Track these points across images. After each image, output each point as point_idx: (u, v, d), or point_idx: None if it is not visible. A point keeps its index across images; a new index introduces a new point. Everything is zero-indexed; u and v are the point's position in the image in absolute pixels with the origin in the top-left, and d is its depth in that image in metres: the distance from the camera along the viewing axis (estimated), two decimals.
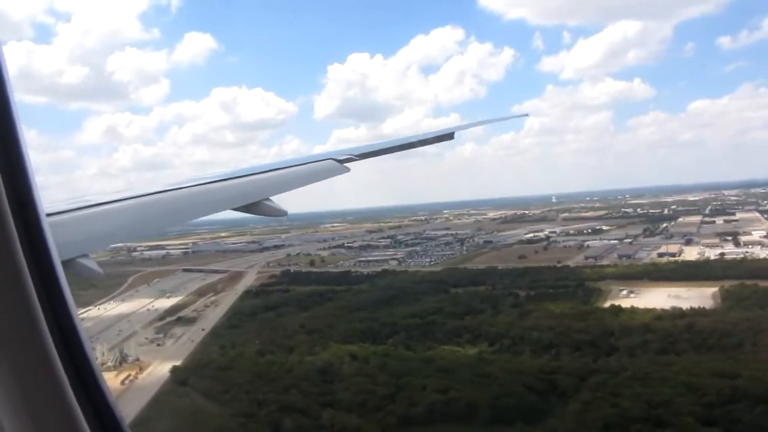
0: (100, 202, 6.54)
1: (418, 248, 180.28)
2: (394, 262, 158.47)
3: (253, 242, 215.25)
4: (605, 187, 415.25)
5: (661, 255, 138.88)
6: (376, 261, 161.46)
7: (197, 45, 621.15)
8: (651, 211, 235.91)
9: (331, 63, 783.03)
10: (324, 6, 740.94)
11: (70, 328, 2.85)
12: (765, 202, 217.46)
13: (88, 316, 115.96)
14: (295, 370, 77.93)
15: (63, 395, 2.71)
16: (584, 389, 65.72)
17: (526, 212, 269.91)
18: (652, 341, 79.44)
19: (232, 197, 8.31)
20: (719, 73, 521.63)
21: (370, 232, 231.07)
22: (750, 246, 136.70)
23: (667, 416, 57.54)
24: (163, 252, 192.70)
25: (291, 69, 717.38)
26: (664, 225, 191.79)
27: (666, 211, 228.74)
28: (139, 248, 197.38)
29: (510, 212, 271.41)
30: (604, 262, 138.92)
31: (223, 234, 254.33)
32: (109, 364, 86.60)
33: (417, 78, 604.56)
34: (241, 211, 8.05)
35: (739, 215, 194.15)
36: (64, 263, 3.68)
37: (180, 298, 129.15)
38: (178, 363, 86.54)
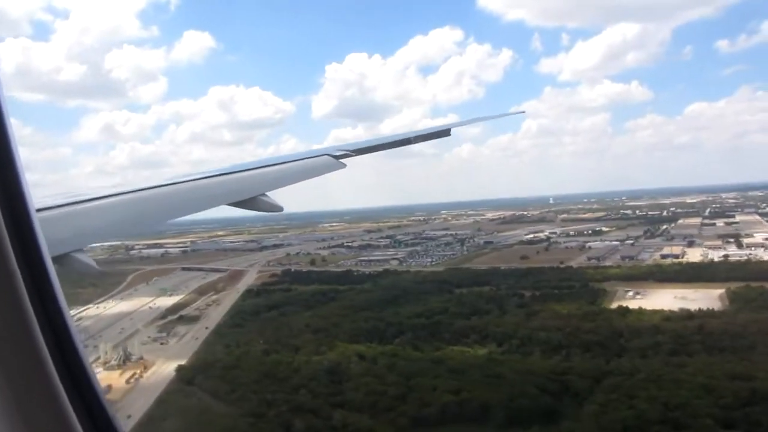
0: (93, 197, 6.39)
1: (418, 248, 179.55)
2: (395, 262, 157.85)
3: (252, 241, 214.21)
4: (602, 189, 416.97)
5: (664, 256, 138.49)
6: (377, 261, 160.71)
7: (196, 43, 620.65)
8: (650, 212, 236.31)
9: (329, 62, 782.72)
10: (323, 6, 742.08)
11: (60, 325, 2.77)
12: (764, 205, 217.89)
13: (88, 314, 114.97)
14: (303, 370, 76.96)
15: (54, 394, 2.65)
16: (599, 391, 65.00)
17: (525, 213, 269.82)
18: (664, 343, 78.77)
19: (227, 193, 8.16)
20: (717, 76, 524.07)
21: (369, 231, 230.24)
22: (753, 248, 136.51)
23: (685, 419, 56.80)
24: (161, 250, 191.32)
25: (289, 68, 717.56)
26: (664, 227, 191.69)
27: (665, 213, 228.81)
28: (137, 246, 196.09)
29: (508, 213, 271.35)
30: (608, 263, 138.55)
31: (220, 233, 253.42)
32: (113, 362, 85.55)
33: (415, 78, 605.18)
34: (238, 207, 7.93)
35: (738, 218, 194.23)
36: (59, 258, 3.74)
37: (181, 296, 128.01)
38: (182, 362, 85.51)
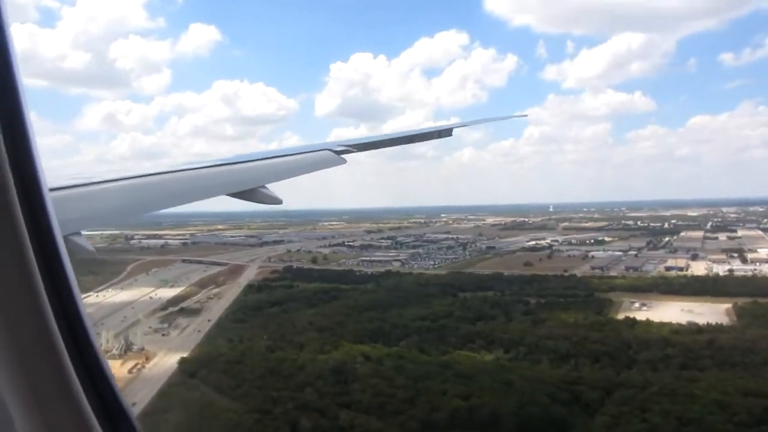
0: (93, 181, 6.34)
1: (420, 251, 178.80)
2: (397, 264, 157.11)
3: (252, 236, 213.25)
4: (602, 198, 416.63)
5: (668, 269, 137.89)
6: (379, 261, 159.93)
7: (202, 36, 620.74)
8: (651, 224, 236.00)
9: (334, 61, 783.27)
10: (329, 4, 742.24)
11: (71, 306, 2.77)
12: (766, 220, 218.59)
13: (89, 302, 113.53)
14: (308, 368, 75.89)
15: (66, 377, 2.66)
16: (610, 402, 64.11)
17: (526, 220, 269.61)
18: (673, 356, 77.91)
19: (228, 183, 8.13)
20: (720, 89, 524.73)
21: (370, 232, 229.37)
22: (758, 263, 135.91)
23: None
24: (161, 241, 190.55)
25: (294, 65, 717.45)
26: (667, 239, 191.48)
27: (666, 225, 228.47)
28: (136, 236, 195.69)
29: (509, 219, 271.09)
30: (612, 274, 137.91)
31: (219, 226, 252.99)
32: (114, 351, 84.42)
33: (419, 80, 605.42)
34: (237, 198, 7.88)
35: (741, 232, 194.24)
36: None
37: (182, 288, 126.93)
38: (184, 354, 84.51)
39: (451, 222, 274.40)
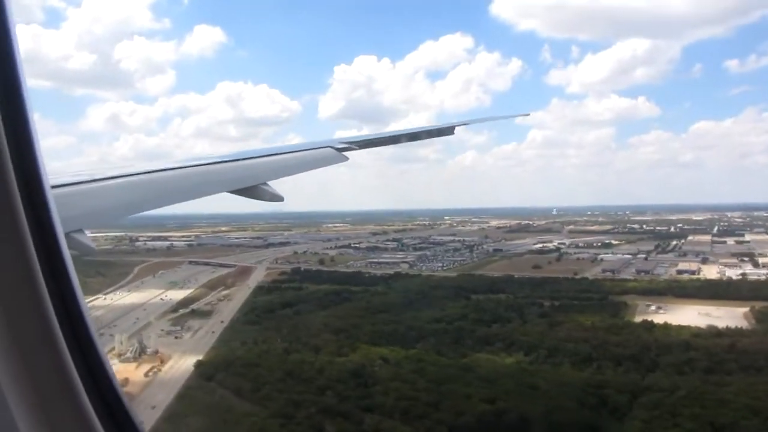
0: (95, 178, 6.31)
1: (427, 253, 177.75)
2: (405, 266, 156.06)
3: (258, 238, 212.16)
4: (605, 202, 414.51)
5: (680, 272, 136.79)
6: (387, 263, 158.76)
7: (207, 38, 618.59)
8: (657, 228, 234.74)
9: (338, 63, 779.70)
10: (333, 6, 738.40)
11: (72, 301, 2.78)
12: None
13: (98, 304, 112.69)
14: (327, 371, 74.78)
15: (68, 376, 2.67)
16: (638, 406, 63.05)
17: (531, 223, 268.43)
18: (697, 360, 76.76)
19: (229, 180, 8.09)
20: (725, 95, 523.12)
21: (375, 234, 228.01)
22: None
23: None
24: (166, 243, 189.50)
25: (298, 67, 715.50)
26: (674, 242, 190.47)
27: (672, 229, 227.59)
28: (141, 238, 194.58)
29: (514, 222, 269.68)
30: (623, 276, 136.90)
31: (223, 228, 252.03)
32: (128, 354, 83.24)
33: (423, 83, 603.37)
34: (238, 195, 7.79)
35: (748, 237, 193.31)
36: None
37: (191, 290, 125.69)
38: (199, 357, 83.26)
39: (455, 224, 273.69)
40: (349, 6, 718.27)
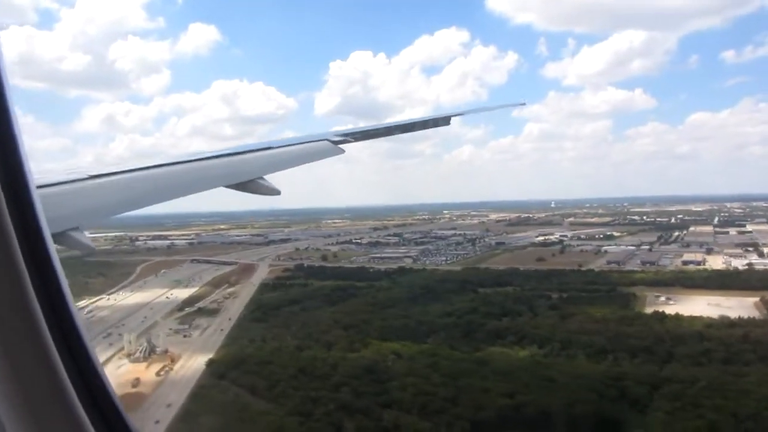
0: (90, 175, 6.30)
1: (429, 247, 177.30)
2: (408, 260, 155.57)
3: (258, 235, 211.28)
4: (602, 194, 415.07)
5: (685, 263, 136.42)
6: (390, 258, 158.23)
7: (201, 36, 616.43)
8: (658, 219, 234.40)
9: (333, 60, 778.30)
10: (328, 3, 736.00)
11: (60, 301, 2.75)
12: None
13: (103, 304, 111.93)
14: (340, 367, 73.97)
15: (57, 377, 2.64)
16: (659, 398, 62.33)
17: (530, 216, 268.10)
18: (713, 350, 76.16)
19: (225, 175, 8.06)
20: (721, 86, 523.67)
21: (375, 229, 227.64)
22: None
23: (759, 431, 54.20)
24: (167, 242, 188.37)
25: (293, 64, 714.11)
26: (676, 233, 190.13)
27: (673, 220, 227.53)
28: (141, 237, 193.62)
29: (513, 215, 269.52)
30: (629, 268, 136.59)
31: (222, 226, 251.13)
32: (138, 354, 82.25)
33: (419, 78, 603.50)
34: (235, 189, 7.75)
35: (750, 227, 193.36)
36: (55, 236, 3.56)
37: (196, 288, 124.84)
38: (209, 355, 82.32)
39: (455, 218, 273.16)
40: (343, 1, 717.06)
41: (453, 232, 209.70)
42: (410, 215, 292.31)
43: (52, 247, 2.73)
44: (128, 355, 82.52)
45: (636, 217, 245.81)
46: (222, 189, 7.71)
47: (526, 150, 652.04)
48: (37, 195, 2.69)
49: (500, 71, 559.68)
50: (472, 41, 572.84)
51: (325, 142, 10.09)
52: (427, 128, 13.35)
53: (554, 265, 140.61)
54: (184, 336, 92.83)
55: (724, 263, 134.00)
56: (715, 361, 72.91)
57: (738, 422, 55.88)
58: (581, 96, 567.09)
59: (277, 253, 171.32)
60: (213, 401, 66.53)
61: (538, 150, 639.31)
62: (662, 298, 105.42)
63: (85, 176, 6.22)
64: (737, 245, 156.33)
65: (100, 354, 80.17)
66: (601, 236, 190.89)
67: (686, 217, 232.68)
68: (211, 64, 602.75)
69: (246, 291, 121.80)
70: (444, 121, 12.76)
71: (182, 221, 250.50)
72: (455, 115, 13.69)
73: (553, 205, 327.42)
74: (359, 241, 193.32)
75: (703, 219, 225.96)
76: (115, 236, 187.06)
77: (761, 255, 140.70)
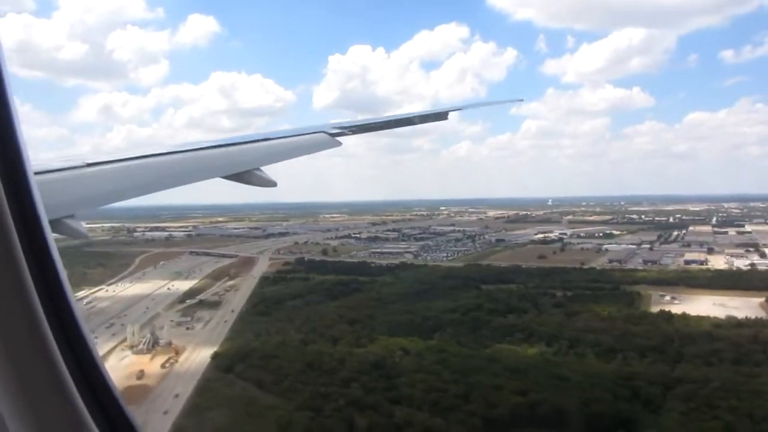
0: (87, 162, 6.26)
1: (430, 243, 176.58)
2: (409, 256, 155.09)
3: (256, 228, 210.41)
4: (599, 193, 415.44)
5: (687, 262, 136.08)
6: (391, 253, 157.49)
7: (200, 27, 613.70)
8: (656, 218, 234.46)
9: (332, 53, 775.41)
10: None
11: (59, 291, 2.71)
12: None
13: (102, 295, 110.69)
14: (348, 362, 73.07)
15: (56, 369, 2.60)
16: (673, 398, 61.68)
17: (528, 213, 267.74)
18: (723, 350, 75.56)
19: (222, 166, 8.00)
20: (720, 86, 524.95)
21: (374, 224, 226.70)
22: None
23: None
24: (165, 233, 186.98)
25: (292, 57, 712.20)
26: (676, 233, 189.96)
27: (671, 220, 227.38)
28: (139, 228, 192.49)
29: (511, 212, 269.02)
30: (631, 266, 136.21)
31: (220, 219, 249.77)
32: (142, 346, 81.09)
33: (418, 73, 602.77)
34: (231, 180, 7.69)
35: (749, 227, 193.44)
36: (50, 223, 3.46)
37: (196, 281, 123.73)
38: (213, 348, 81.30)
39: (452, 215, 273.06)
40: None
41: (452, 228, 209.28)
42: (407, 211, 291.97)
43: (51, 237, 2.66)
44: (131, 347, 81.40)
45: (634, 216, 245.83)
46: (219, 180, 7.62)
47: (524, 147, 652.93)
48: (35, 183, 2.62)
49: (499, 68, 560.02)
50: (471, 37, 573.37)
51: (322, 134, 10.01)
52: (424, 123, 13.40)
53: (556, 263, 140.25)
54: (187, 328, 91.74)
55: (726, 263, 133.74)
56: (725, 361, 72.25)
57: (755, 423, 55.30)
58: (579, 93, 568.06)
59: (276, 246, 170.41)
60: (220, 395, 65.48)
61: (535, 147, 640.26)
62: (667, 298, 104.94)
63: (82, 164, 6.17)
64: (737, 245, 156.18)
65: (103, 345, 79.22)
66: (601, 234, 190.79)
67: (684, 217, 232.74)
68: (209, 55, 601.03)
69: (247, 284, 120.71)
70: (442, 116, 12.73)
71: (179, 213, 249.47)
72: (453, 110, 13.61)
73: (549, 203, 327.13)
74: (358, 235, 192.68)
75: (702, 219, 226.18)
76: (112, 227, 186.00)
77: (763, 255, 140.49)
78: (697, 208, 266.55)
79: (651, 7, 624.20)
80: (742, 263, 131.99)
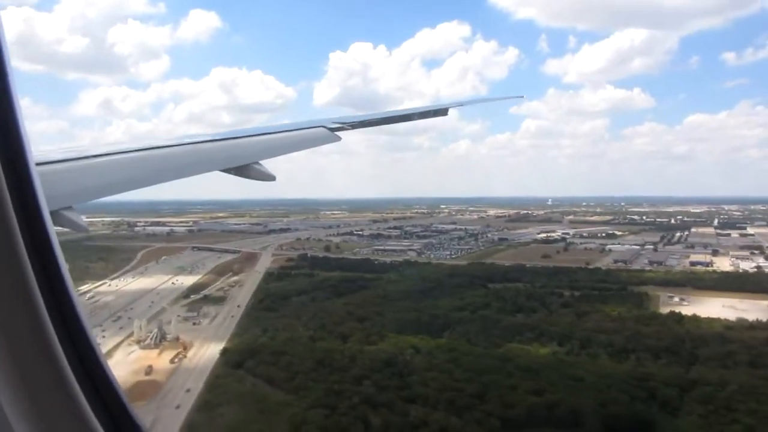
0: (86, 155, 6.26)
1: (432, 240, 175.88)
2: (412, 253, 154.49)
3: (257, 224, 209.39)
4: (598, 193, 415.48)
5: (693, 264, 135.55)
6: (394, 251, 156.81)
7: (202, 22, 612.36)
8: (658, 219, 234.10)
9: (333, 50, 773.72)
10: None
11: (60, 284, 2.67)
12: None
13: (105, 290, 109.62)
14: (359, 360, 72.24)
15: (59, 367, 2.57)
16: (691, 401, 60.99)
17: (529, 212, 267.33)
18: (737, 353, 74.82)
19: (221, 159, 7.87)
20: (720, 88, 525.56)
21: (375, 221, 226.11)
22: None
23: None
24: (166, 228, 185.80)
25: (293, 54, 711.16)
26: (678, 234, 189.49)
27: (673, 221, 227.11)
28: (140, 223, 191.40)
29: (512, 211, 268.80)
30: (637, 267, 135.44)
31: (221, 214, 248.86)
32: (149, 341, 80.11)
33: (419, 71, 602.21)
34: (231, 173, 7.62)
35: (751, 230, 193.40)
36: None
37: (200, 276, 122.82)
38: (221, 344, 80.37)
39: (453, 213, 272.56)
40: None
41: (453, 226, 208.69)
42: (407, 208, 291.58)
43: (52, 229, 2.64)
44: (138, 342, 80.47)
45: (635, 217, 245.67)
46: (219, 174, 7.53)
47: (523, 146, 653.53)
48: (37, 175, 2.60)
49: (500, 66, 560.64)
50: (473, 35, 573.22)
51: (322, 129, 9.99)
52: (424, 118, 13.22)
53: (560, 263, 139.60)
54: (194, 323, 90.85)
55: (731, 265, 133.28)
56: (741, 364, 71.52)
57: None
58: (580, 94, 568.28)
59: (279, 242, 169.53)
60: (231, 391, 64.60)
61: (535, 147, 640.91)
62: (675, 299, 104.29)
63: (82, 155, 6.14)
64: (742, 247, 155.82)
65: (110, 339, 78.34)
66: (603, 235, 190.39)
67: (686, 218, 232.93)
68: (210, 51, 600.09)
69: (251, 280, 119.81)
70: (442, 111, 12.63)
71: (179, 208, 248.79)
72: (453, 106, 13.61)
73: (549, 203, 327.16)
74: (360, 232, 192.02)
75: (703, 220, 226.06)
76: (112, 221, 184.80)
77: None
78: (698, 210, 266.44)
79: (653, 8, 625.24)
80: (747, 265, 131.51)
